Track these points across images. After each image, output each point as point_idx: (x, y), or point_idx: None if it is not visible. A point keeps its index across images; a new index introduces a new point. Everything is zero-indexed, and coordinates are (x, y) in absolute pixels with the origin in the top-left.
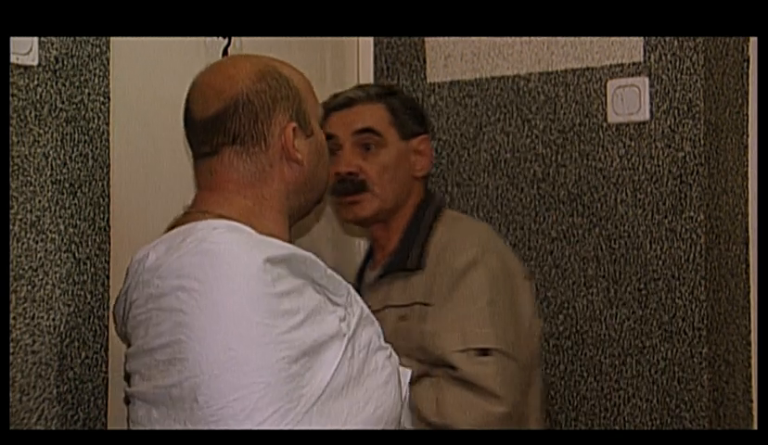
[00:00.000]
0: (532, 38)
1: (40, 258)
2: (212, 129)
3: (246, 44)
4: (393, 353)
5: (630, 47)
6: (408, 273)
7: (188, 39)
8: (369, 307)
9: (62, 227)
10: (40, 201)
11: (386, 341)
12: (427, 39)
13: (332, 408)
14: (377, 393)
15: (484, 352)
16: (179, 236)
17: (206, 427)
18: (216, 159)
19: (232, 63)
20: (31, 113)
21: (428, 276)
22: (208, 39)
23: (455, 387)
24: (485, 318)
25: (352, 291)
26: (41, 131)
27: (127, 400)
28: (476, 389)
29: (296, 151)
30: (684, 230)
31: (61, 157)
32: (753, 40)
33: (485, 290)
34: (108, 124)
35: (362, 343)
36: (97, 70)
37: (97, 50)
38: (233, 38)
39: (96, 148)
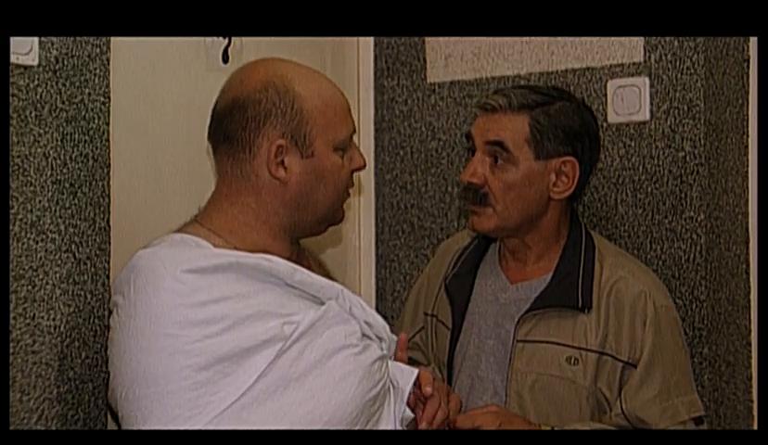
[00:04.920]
0: (532, 38)
1: (40, 258)
2: (214, 124)
3: (246, 45)
4: (372, 349)
5: (630, 47)
6: (574, 312)
7: (188, 39)
8: (498, 323)
9: (62, 227)
10: (40, 201)
11: (542, 376)
12: (427, 39)
13: (251, 413)
14: (324, 392)
15: (700, 421)
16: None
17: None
18: (216, 156)
19: (255, 66)
20: (31, 113)
21: (598, 320)
22: (208, 39)
23: None
24: (689, 382)
25: (345, 291)
26: (41, 131)
27: None
28: None
29: (278, 168)
30: (684, 230)
31: (61, 157)
32: (753, 40)
33: (680, 346)
34: (108, 124)
35: (318, 344)
36: (97, 70)
37: (97, 50)
38: (233, 38)
39: (96, 148)
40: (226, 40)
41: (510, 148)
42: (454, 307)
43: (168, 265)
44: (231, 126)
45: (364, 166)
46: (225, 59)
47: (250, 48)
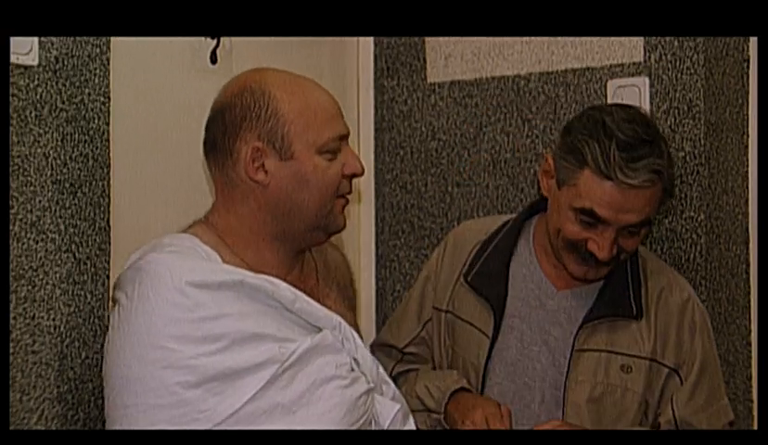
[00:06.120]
0: (532, 38)
1: (40, 258)
2: (204, 135)
3: (242, 44)
4: (359, 383)
5: (630, 47)
6: (627, 320)
7: (183, 39)
8: (545, 330)
9: (62, 227)
10: (40, 201)
11: (599, 385)
12: (427, 39)
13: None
14: (309, 422)
15: (732, 424)
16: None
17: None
18: (208, 167)
19: (239, 75)
20: (31, 113)
21: (649, 327)
22: (198, 39)
23: None
24: (723, 389)
25: (344, 324)
26: (41, 131)
27: None
28: None
29: (257, 171)
30: (684, 230)
31: (61, 157)
32: (753, 40)
33: (716, 351)
34: (108, 124)
35: (309, 372)
36: (97, 70)
37: (97, 50)
38: (223, 38)
39: (96, 148)
40: (215, 40)
41: (652, 220)
42: (496, 311)
43: (174, 275)
44: (214, 134)
45: (361, 172)
46: (214, 60)
47: (250, 48)
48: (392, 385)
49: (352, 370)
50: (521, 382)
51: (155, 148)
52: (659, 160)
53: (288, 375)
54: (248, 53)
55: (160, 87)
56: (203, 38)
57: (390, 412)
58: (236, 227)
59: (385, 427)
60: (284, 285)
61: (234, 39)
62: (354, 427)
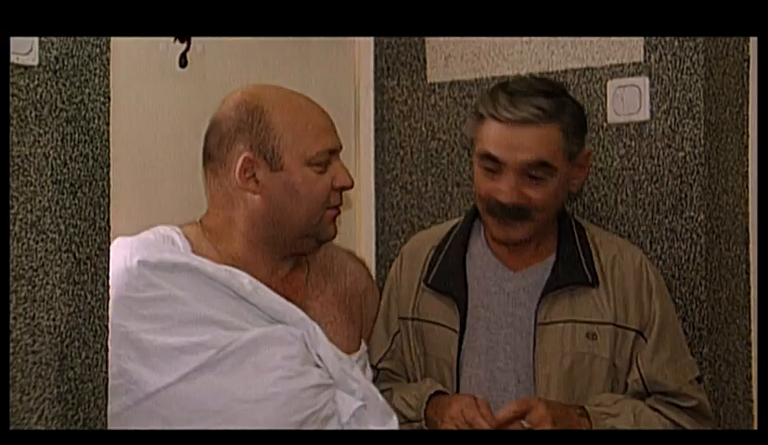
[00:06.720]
0: (532, 38)
1: (40, 258)
2: (203, 144)
3: (234, 43)
4: (309, 376)
5: (630, 47)
6: (584, 289)
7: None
8: (509, 312)
9: (62, 227)
10: (40, 201)
11: (567, 355)
12: (427, 39)
13: (166, 408)
14: (244, 407)
15: (700, 380)
16: None
17: None
18: (204, 175)
19: (239, 89)
20: (31, 113)
21: (607, 294)
22: (167, 41)
23: (694, 416)
24: (686, 346)
25: (307, 320)
26: (41, 131)
27: None
28: (707, 415)
29: (248, 181)
30: (684, 230)
31: (61, 157)
32: (753, 40)
33: (674, 310)
34: (108, 124)
35: (255, 361)
36: (97, 70)
37: (97, 50)
38: (194, 42)
39: (96, 148)
40: (185, 43)
41: (553, 164)
42: (460, 305)
43: (133, 255)
44: (210, 145)
45: (350, 185)
46: (183, 64)
47: (241, 45)
48: (366, 384)
49: (318, 366)
50: (495, 367)
51: (156, 148)
52: (547, 101)
53: (231, 361)
54: (232, 53)
55: (128, 91)
56: (172, 40)
57: (349, 407)
58: (224, 228)
59: (344, 422)
60: (245, 277)
61: (227, 40)
62: (296, 418)
